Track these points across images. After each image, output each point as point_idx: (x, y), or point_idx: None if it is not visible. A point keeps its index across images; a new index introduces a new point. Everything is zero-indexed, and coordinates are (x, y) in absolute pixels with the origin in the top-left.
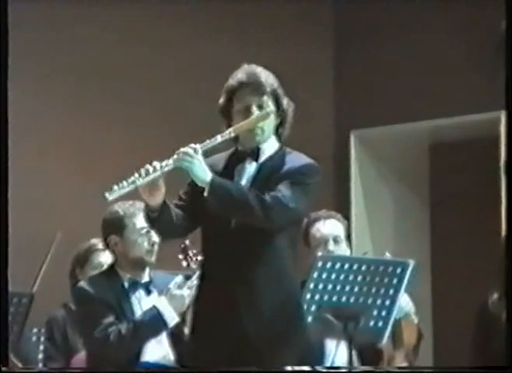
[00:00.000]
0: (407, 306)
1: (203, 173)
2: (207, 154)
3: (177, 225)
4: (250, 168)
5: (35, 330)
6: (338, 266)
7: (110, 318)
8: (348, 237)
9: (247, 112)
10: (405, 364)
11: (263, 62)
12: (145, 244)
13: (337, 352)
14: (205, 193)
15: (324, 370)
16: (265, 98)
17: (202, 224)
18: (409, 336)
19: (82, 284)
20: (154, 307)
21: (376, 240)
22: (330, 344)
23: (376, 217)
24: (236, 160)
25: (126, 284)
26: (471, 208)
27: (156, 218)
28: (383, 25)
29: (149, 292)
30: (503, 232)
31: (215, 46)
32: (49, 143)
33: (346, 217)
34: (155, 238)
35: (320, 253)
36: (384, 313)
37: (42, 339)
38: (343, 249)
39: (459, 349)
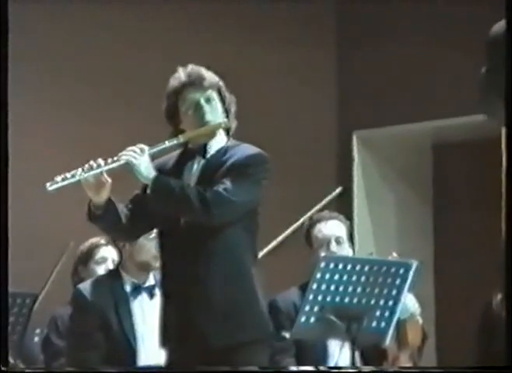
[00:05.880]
0: (413, 307)
1: (147, 171)
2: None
3: (126, 226)
4: (198, 164)
5: (38, 331)
6: (340, 266)
7: (97, 337)
8: (351, 238)
9: (197, 108)
10: (409, 365)
11: (265, 63)
12: (153, 249)
13: (341, 354)
14: (148, 191)
15: (327, 370)
16: (210, 91)
17: (155, 226)
18: (414, 337)
19: (82, 286)
20: None
21: (379, 241)
22: (334, 346)
23: (378, 217)
24: (185, 158)
25: (128, 288)
26: (474, 208)
27: (100, 215)
28: (384, 26)
29: (152, 296)
30: (504, 232)
31: (216, 47)
32: (50, 143)
33: (349, 217)
34: None
35: (323, 254)
36: (386, 314)
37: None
38: (345, 250)
39: (462, 349)
